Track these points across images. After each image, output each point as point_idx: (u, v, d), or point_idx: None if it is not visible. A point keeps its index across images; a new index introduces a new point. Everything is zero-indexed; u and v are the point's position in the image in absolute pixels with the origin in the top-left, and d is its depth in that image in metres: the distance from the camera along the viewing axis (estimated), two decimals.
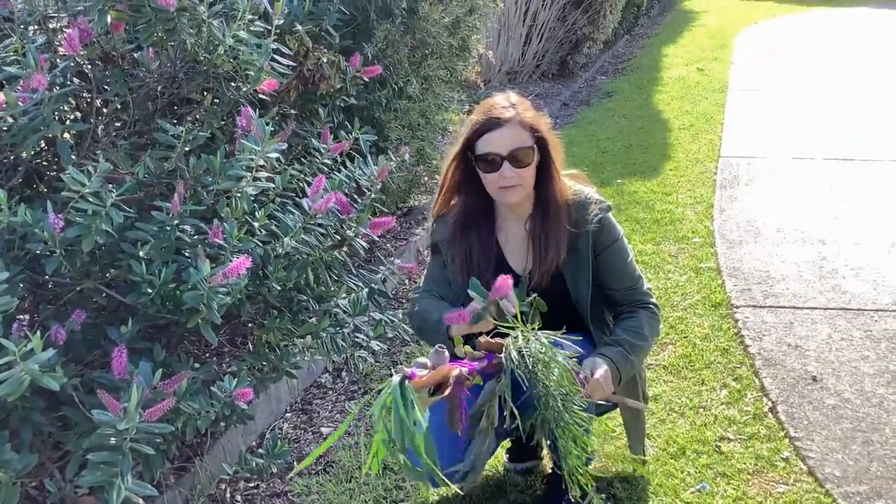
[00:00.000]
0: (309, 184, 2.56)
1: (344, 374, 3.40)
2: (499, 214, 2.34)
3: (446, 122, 4.42)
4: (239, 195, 2.30)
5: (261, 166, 2.37)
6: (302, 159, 2.83)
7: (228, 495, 2.65)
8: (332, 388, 3.31)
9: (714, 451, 2.67)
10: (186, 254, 2.23)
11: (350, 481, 2.69)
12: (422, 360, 2.02)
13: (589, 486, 1.94)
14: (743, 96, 7.83)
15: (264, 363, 2.60)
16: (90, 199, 1.96)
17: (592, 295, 2.28)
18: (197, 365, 2.31)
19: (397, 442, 1.87)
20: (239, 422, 2.29)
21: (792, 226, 4.58)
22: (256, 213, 2.34)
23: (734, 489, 2.49)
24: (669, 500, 2.46)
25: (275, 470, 2.48)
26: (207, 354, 2.73)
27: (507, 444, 2.64)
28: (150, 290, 2.11)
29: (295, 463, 2.83)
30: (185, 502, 2.54)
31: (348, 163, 2.71)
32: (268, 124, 2.31)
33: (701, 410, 2.91)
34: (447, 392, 1.94)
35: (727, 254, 4.24)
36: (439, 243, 2.36)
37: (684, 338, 3.43)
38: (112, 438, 1.81)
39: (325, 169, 2.80)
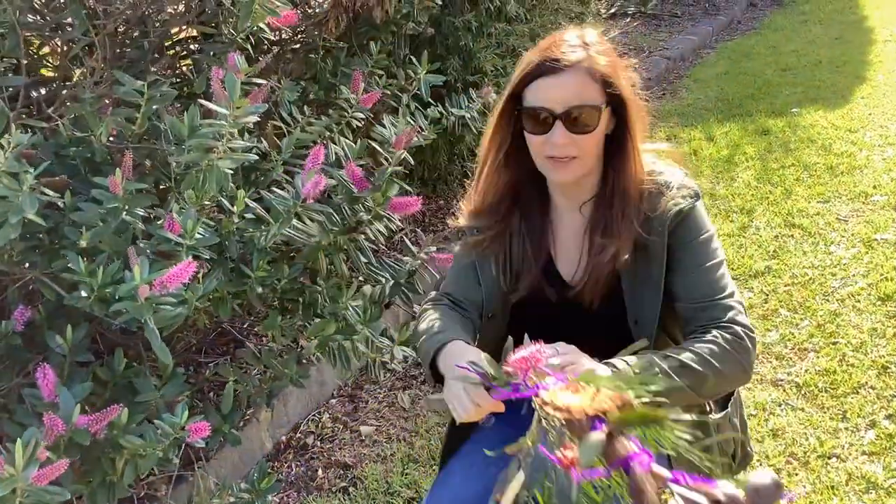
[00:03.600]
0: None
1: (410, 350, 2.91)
2: (552, 197, 1.70)
3: None
4: (208, 170, 1.80)
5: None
6: (330, 111, 2.27)
7: None
8: (390, 370, 2.83)
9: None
10: (143, 244, 1.78)
11: None
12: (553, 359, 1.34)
13: None
14: None
15: (268, 369, 2.15)
16: (3, 182, 1.54)
17: (661, 316, 1.60)
18: (156, 383, 1.89)
19: None
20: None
21: None
22: (236, 194, 1.85)
23: None
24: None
25: None
26: (192, 355, 2.32)
27: None
28: (84, 294, 1.67)
29: (320, 471, 2.41)
30: None
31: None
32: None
33: (832, 461, 2.20)
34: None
35: None
36: (469, 229, 1.71)
37: (832, 344, 2.66)
38: None
39: (354, 126, 2.25)
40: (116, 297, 1.61)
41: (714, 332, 1.50)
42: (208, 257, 1.79)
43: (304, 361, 2.39)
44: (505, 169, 1.63)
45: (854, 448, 2.24)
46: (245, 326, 2.63)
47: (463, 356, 1.44)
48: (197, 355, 2.48)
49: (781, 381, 2.53)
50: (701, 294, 1.54)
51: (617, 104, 1.52)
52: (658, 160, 1.62)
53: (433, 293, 1.79)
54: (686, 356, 1.45)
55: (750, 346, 1.50)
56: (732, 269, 3.15)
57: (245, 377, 2.14)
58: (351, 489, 2.32)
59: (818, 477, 2.15)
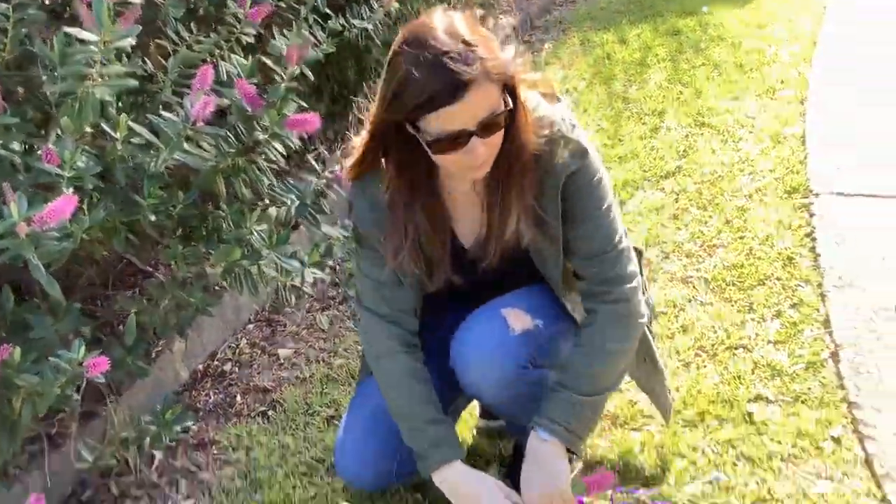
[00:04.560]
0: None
1: (327, 272, 2.88)
2: (440, 179, 1.65)
3: None
4: (84, 98, 1.71)
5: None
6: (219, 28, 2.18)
7: (147, 442, 2.22)
8: (302, 295, 2.79)
9: (743, 420, 2.05)
10: (23, 178, 1.70)
11: (288, 432, 2.22)
12: None
13: None
14: None
15: (171, 298, 2.10)
16: None
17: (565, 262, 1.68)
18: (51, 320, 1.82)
19: None
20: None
21: None
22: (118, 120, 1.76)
23: (758, 483, 1.88)
24: (667, 494, 1.89)
25: (168, 441, 2.02)
26: (95, 288, 2.25)
27: None
28: None
29: (239, 397, 2.39)
30: (92, 454, 2.14)
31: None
32: None
33: (739, 352, 2.26)
34: None
35: (819, 115, 3.37)
36: (364, 228, 1.70)
37: (740, 238, 2.71)
38: None
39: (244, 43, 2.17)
40: None
41: (601, 313, 1.65)
42: (92, 187, 1.72)
43: (216, 289, 2.35)
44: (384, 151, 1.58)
45: (760, 338, 2.30)
46: (153, 258, 2.56)
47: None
48: (103, 290, 2.41)
49: (691, 277, 2.58)
50: (588, 250, 1.64)
51: (512, 90, 1.49)
52: (541, 101, 1.59)
53: (361, 294, 1.78)
54: (592, 370, 1.64)
55: (637, 316, 1.67)
56: (644, 171, 3.18)
57: (153, 309, 2.09)
58: (270, 413, 2.31)
59: (725, 367, 2.22)
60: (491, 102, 1.42)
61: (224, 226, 2.05)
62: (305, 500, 2.01)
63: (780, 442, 1.98)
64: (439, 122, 1.41)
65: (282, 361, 2.53)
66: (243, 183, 2.05)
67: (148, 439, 2.02)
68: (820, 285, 2.45)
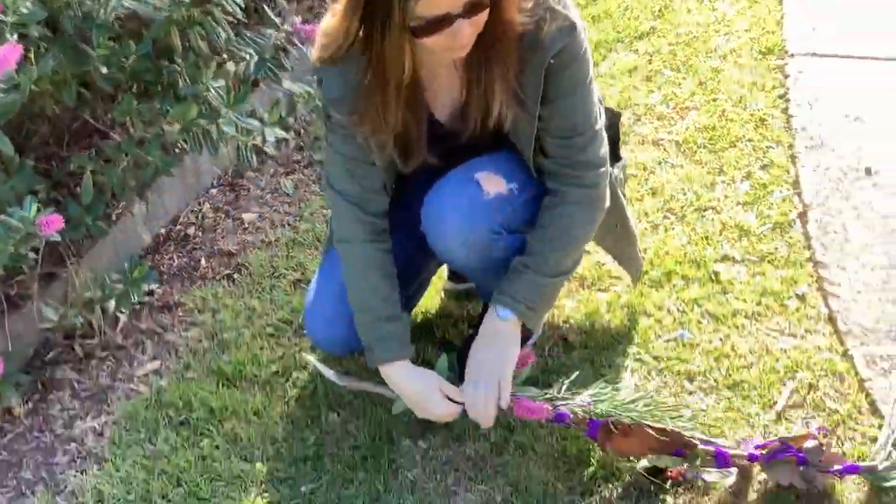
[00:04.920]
0: None
1: (291, 135, 2.81)
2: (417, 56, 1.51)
3: None
4: None
5: None
6: None
7: (112, 305, 2.20)
8: (272, 157, 2.73)
9: (709, 280, 2.06)
10: None
11: (254, 295, 2.21)
12: None
13: None
14: None
15: (127, 156, 2.03)
16: None
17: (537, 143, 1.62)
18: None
19: None
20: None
21: None
22: None
23: (721, 340, 1.91)
24: (634, 351, 1.91)
25: (136, 299, 1.99)
26: (51, 147, 2.16)
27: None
28: None
29: (203, 260, 2.36)
30: (56, 313, 2.11)
31: None
32: None
33: (708, 213, 2.25)
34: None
35: None
36: (335, 106, 1.59)
37: (713, 101, 2.66)
38: None
39: None
40: None
41: (569, 199, 1.61)
42: (38, 35, 1.62)
43: (177, 150, 2.28)
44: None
45: (729, 200, 2.29)
46: (109, 117, 2.46)
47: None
48: (58, 149, 2.32)
49: (662, 140, 2.54)
50: (562, 129, 1.58)
51: None
52: None
53: (329, 171, 1.71)
54: (555, 254, 1.62)
55: (599, 201, 1.65)
56: (618, 32, 3.08)
57: (110, 169, 2.02)
58: (236, 276, 2.29)
59: (693, 229, 2.21)
60: None
61: (180, 82, 1.96)
62: (273, 360, 2.01)
63: (745, 300, 2.00)
64: (424, 5, 1.33)
65: (246, 226, 2.48)
66: (199, 36, 1.96)
67: (114, 300, 2.00)
68: (791, 146, 2.43)
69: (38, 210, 1.65)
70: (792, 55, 2.80)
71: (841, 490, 1.58)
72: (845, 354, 1.84)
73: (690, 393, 1.82)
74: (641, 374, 1.87)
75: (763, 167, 2.38)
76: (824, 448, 1.55)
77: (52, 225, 1.65)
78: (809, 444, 1.54)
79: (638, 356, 1.90)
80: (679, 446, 1.58)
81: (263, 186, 2.65)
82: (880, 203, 2.21)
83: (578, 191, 1.61)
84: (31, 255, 1.77)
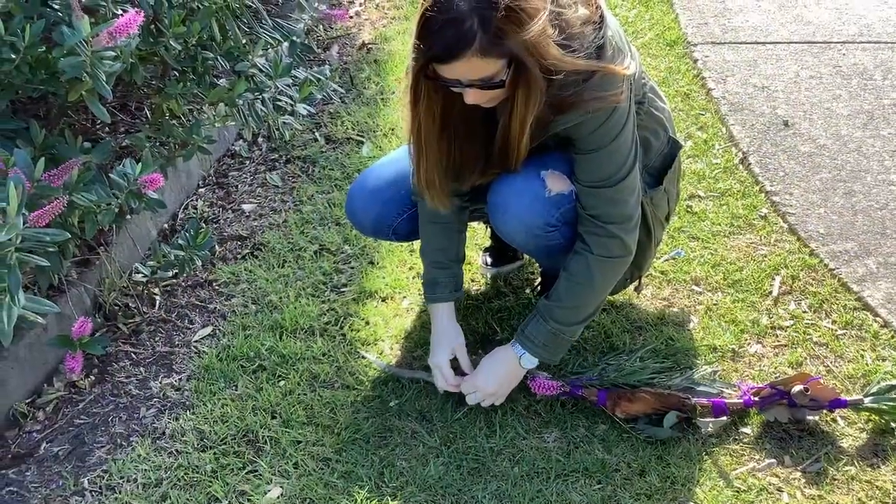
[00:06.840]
0: None
1: (261, 140, 2.98)
2: None
3: None
4: None
5: None
6: None
7: (143, 289, 2.30)
8: (248, 158, 2.90)
9: (685, 212, 2.42)
10: (56, 6, 1.73)
11: (283, 266, 2.37)
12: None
13: None
14: None
15: (169, 137, 2.17)
16: None
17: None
18: (88, 145, 1.87)
19: None
20: (148, 209, 1.90)
21: None
22: None
23: (711, 254, 2.27)
24: None
25: (199, 263, 2.12)
26: (96, 128, 2.27)
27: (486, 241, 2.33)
28: (13, 56, 1.63)
29: (217, 245, 2.49)
30: (93, 299, 2.19)
31: None
32: None
33: None
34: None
35: None
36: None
37: None
38: None
39: None
40: (52, 56, 1.60)
41: (592, 251, 1.70)
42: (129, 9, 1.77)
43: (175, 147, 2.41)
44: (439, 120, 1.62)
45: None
46: (140, 102, 2.53)
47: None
48: (100, 130, 2.40)
49: None
50: (586, 178, 1.67)
51: (519, 63, 1.46)
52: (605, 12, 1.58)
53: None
54: (576, 303, 1.75)
55: (623, 255, 1.73)
56: None
57: (152, 148, 2.15)
58: (257, 253, 2.44)
59: None
60: (485, 72, 1.47)
61: (219, 65, 2.14)
62: (322, 312, 2.18)
63: (720, 224, 2.37)
64: (437, 69, 1.49)
65: (248, 214, 2.63)
66: (238, 24, 2.14)
67: (174, 270, 2.12)
68: (717, 112, 2.87)
69: (140, 170, 1.78)
70: (695, 45, 3.28)
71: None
72: (812, 253, 2.24)
73: (700, 293, 2.16)
74: (654, 285, 2.19)
75: (700, 128, 2.80)
76: (808, 392, 1.76)
77: (154, 183, 1.79)
78: (796, 389, 1.77)
79: (647, 273, 2.22)
80: (677, 405, 1.81)
81: (250, 182, 2.80)
82: (803, 145, 2.67)
83: (602, 240, 1.69)
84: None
